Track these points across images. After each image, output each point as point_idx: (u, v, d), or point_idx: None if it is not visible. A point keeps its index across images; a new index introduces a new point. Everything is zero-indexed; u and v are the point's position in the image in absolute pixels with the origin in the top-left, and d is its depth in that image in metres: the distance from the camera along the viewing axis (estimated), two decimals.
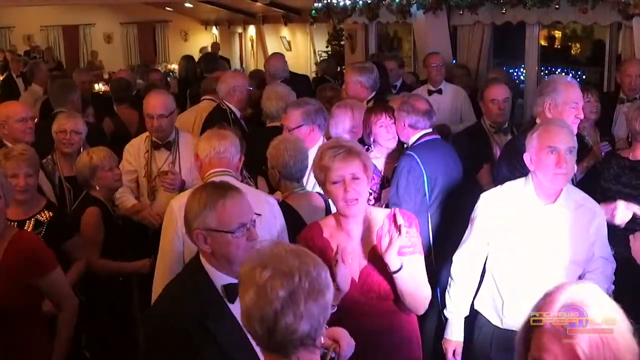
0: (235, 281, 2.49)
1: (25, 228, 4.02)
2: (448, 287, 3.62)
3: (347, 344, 2.42)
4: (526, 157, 3.35)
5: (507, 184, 3.51)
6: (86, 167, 4.48)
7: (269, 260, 1.87)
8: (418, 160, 4.35)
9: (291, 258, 1.87)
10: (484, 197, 3.53)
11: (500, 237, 3.42)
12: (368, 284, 2.99)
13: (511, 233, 3.37)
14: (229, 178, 3.45)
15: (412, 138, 4.55)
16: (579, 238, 3.36)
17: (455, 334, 3.59)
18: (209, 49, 17.65)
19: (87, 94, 7.67)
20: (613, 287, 3.50)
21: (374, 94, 5.74)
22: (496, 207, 3.45)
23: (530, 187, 3.37)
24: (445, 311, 3.65)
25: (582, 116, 4.08)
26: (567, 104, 4.00)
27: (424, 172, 4.36)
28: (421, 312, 3.13)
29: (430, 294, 3.14)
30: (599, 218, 3.45)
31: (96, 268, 4.32)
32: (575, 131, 4.08)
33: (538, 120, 4.09)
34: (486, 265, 3.57)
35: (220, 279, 2.57)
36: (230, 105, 5.85)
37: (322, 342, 1.98)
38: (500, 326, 3.49)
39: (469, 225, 3.57)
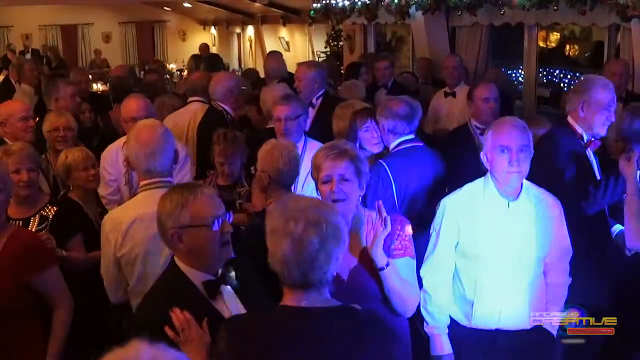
0: (213, 278, 2.64)
1: (30, 225, 4.03)
2: (423, 302, 3.44)
3: None
4: (482, 157, 3.37)
5: (467, 186, 3.50)
6: (62, 167, 4.47)
7: (299, 214, 2.20)
8: (387, 169, 4.20)
9: (316, 209, 2.24)
10: (445, 202, 3.49)
11: (466, 238, 3.40)
12: (356, 283, 3.00)
13: (478, 233, 3.37)
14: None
15: (392, 144, 4.36)
16: (544, 232, 3.39)
17: (445, 348, 3.47)
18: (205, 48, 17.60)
19: (84, 93, 7.63)
20: (570, 279, 3.53)
21: (322, 90, 5.94)
22: (459, 209, 3.43)
23: (491, 186, 3.38)
24: (426, 328, 3.52)
25: (613, 119, 4.05)
26: (600, 105, 3.98)
27: (392, 181, 4.20)
28: (409, 314, 3.14)
29: (419, 297, 3.17)
30: (558, 210, 3.48)
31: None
32: (605, 133, 4.07)
33: (569, 119, 4.09)
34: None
35: (198, 277, 2.63)
36: (226, 107, 5.75)
37: None
38: (469, 326, 3.46)
39: (433, 235, 3.51)
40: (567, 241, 3.49)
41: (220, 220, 2.63)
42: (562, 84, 13.12)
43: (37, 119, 5.36)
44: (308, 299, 2.25)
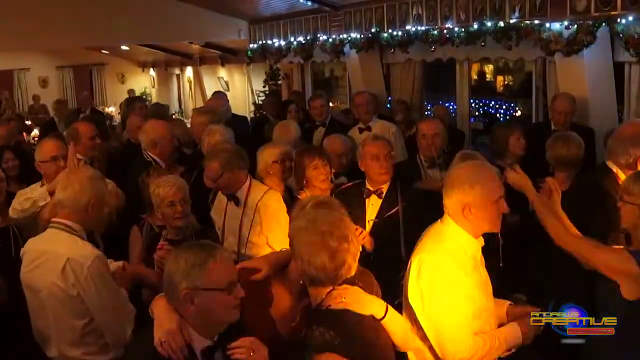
0: (210, 343, 2.57)
1: None
2: None
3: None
4: (466, 211, 3.05)
5: (437, 243, 3.16)
6: None
7: (333, 228, 2.57)
8: None
9: (342, 223, 2.64)
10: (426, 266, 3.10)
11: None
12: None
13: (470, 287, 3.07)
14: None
15: None
16: None
17: None
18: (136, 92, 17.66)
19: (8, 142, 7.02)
20: None
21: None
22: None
23: (463, 235, 3.12)
24: None
25: None
26: None
27: None
28: None
29: None
30: None
31: None
32: None
33: (617, 170, 3.94)
34: None
35: (199, 342, 2.55)
36: (154, 157, 5.48)
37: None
38: None
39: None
40: None
41: (235, 284, 2.54)
42: (498, 115, 13.47)
43: None
44: None
